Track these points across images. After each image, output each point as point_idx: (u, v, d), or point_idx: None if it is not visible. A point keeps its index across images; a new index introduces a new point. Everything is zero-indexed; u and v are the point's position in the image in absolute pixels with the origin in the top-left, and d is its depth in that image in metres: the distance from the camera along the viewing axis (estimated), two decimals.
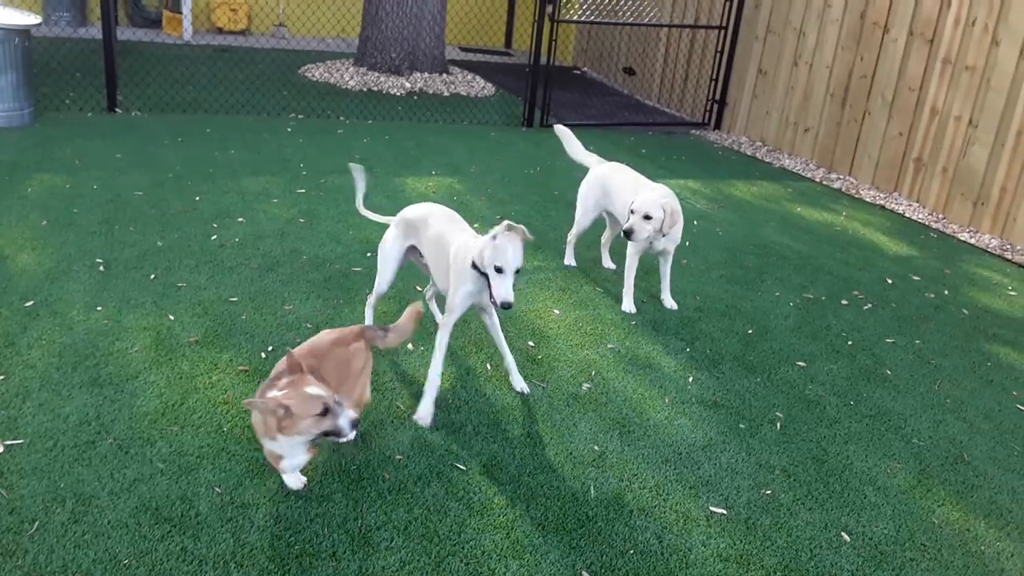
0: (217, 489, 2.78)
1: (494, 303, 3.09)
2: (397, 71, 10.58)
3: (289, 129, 8.00)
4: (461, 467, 3.03)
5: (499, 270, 3.04)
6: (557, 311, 4.45)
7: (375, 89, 10.06)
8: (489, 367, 3.77)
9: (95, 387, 3.32)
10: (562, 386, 3.69)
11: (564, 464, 3.12)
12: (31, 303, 3.96)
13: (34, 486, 2.72)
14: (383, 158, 7.26)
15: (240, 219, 5.41)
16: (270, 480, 2.85)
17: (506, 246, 3.04)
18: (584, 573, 2.58)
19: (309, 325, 3.99)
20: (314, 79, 10.32)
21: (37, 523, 2.55)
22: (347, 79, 10.27)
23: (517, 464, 3.08)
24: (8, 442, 2.94)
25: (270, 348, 3.75)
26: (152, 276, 4.39)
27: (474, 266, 3.17)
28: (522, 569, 2.57)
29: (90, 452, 2.92)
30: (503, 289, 3.02)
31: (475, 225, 5.72)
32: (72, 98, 8.15)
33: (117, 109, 8.09)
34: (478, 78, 11.21)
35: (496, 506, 2.84)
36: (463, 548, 2.63)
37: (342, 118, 8.62)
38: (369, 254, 4.96)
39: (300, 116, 8.51)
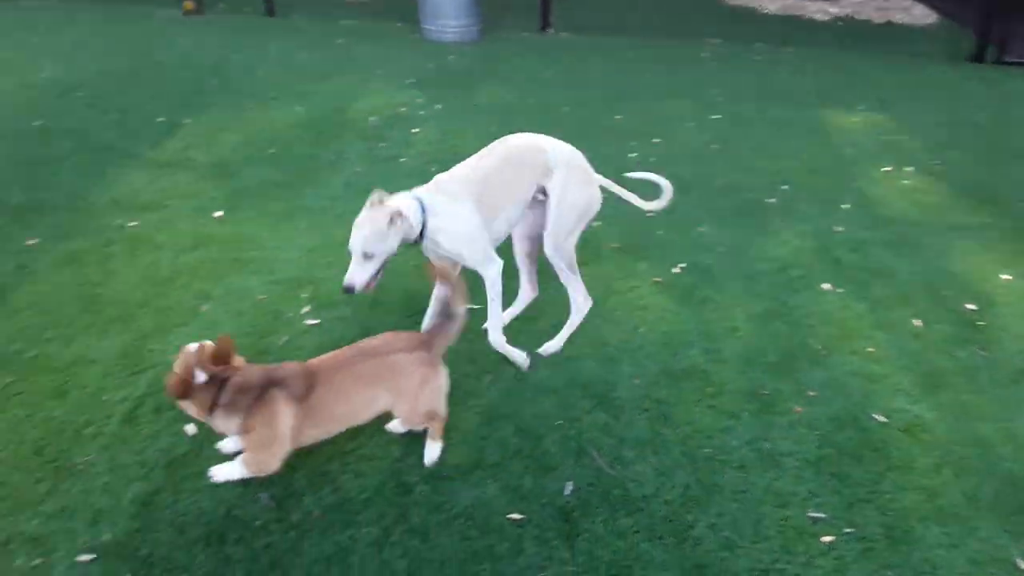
0: (635, 380, 3.02)
1: None
2: None
3: (705, 55, 7.96)
4: (880, 419, 2.86)
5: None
6: (1006, 275, 3.86)
7: (797, 14, 9.48)
8: (919, 323, 3.45)
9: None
10: (1009, 358, 3.23)
11: (1003, 442, 2.77)
12: None
13: (487, 346, 3.18)
14: (803, 89, 6.87)
15: (655, 140, 5.60)
16: (685, 383, 3.01)
17: (359, 221, 2.64)
18: (1019, 561, 2.31)
19: (721, 249, 4.04)
20: (731, 3, 10.05)
21: (491, 375, 3.04)
22: (766, 3, 9.83)
23: (945, 430, 2.82)
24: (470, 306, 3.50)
25: (682, 265, 3.89)
26: None
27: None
28: (944, 536, 2.38)
29: (530, 326, 3.35)
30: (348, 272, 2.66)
31: (906, 168, 5.19)
32: (511, 18, 9.05)
33: (549, 29, 8.80)
34: (917, 4, 9.90)
35: (919, 467, 2.64)
36: (878, 498, 2.51)
37: (759, 44, 8.31)
38: (785, 186, 4.81)
39: (716, 41, 8.40)
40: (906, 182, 4.95)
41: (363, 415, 2.50)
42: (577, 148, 3.11)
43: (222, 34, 8.17)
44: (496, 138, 3.10)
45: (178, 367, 2.32)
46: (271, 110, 5.93)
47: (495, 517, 2.40)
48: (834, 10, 9.48)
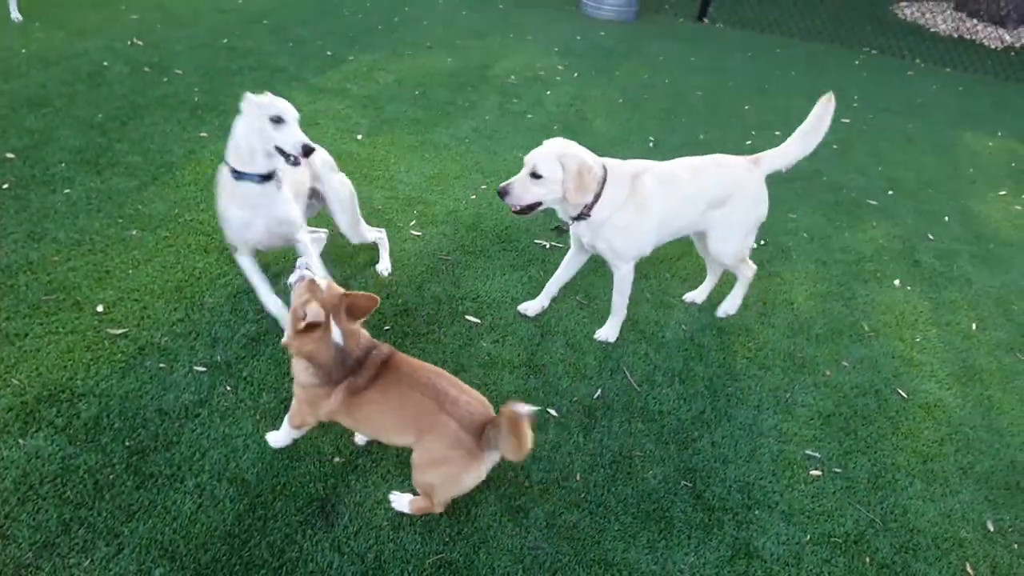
0: (683, 327, 3.32)
1: (289, 157, 2.67)
2: (1001, 22, 9.34)
3: (857, 62, 7.87)
4: (903, 394, 3.03)
5: (278, 120, 2.64)
6: None
7: (967, 38, 9.11)
8: (976, 327, 3.53)
9: None
10: None
11: (1017, 434, 2.87)
12: None
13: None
14: (946, 108, 6.73)
15: (777, 132, 5.73)
16: (729, 336, 3.28)
17: (272, 98, 2.67)
18: (989, 523, 2.46)
19: (805, 235, 4.21)
20: (903, 18, 9.78)
21: (555, 299, 3.42)
22: (939, 22, 9.49)
23: (963, 415, 2.95)
24: None
25: (762, 242, 4.10)
26: None
27: (235, 172, 2.73)
28: (924, 491, 2.55)
29: None
30: (292, 136, 2.63)
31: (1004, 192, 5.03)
32: (670, 4, 9.24)
33: (705, 19, 8.94)
34: None
35: (923, 438, 2.81)
36: (874, 452, 2.71)
37: (918, 61, 8.11)
38: (891, 192, 4.86)
39: (873, 52, 8.27)
40: (1018, 207, 4.89)
41: (392, 439, 2.31)
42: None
43: None
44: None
45: (306, 296, 2.17)
46: (424, 58, 6.53)
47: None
48: (1009, 39, 9.03)
